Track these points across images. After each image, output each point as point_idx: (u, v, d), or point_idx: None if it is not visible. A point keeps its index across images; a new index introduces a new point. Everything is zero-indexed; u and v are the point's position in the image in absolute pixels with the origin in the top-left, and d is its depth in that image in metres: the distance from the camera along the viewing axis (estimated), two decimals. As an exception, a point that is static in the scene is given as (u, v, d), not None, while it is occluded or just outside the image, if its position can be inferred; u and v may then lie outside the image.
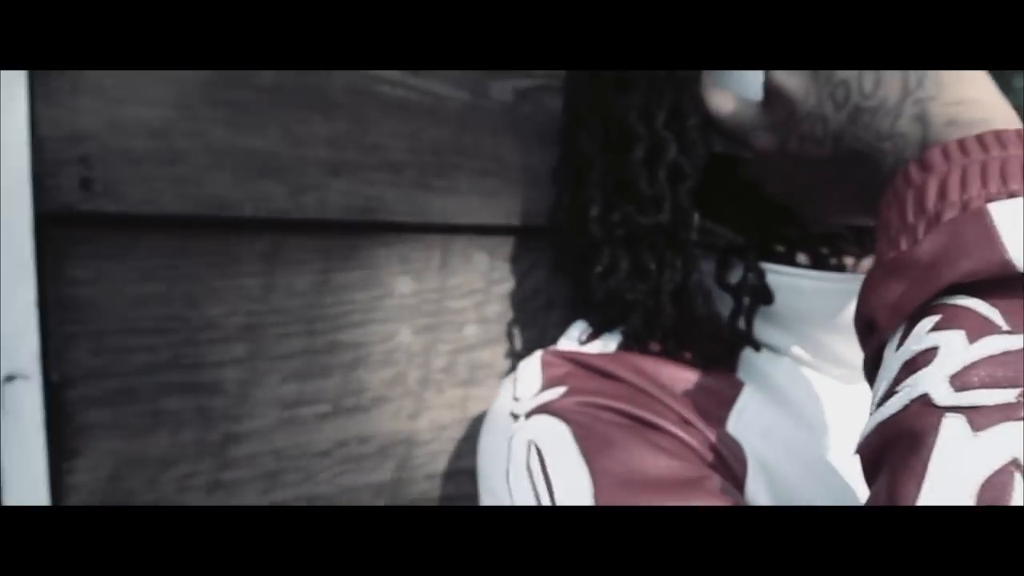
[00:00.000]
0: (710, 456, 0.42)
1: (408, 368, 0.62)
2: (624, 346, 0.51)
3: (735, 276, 0.49)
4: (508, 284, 0.67)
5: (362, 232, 0.61)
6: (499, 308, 0.67)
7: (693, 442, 0.42)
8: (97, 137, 0.50)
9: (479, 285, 0.66)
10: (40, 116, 0.48)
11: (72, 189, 0.49)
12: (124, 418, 0.51)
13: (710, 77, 0.50)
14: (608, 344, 0.53)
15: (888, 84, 0.39)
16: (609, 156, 0.54)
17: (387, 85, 0.62)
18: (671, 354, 0.50)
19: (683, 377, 0.48)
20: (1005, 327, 0.29)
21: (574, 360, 0.50)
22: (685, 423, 0.44)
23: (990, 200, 0.32)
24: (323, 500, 0.56)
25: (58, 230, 0.49)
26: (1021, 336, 0.29)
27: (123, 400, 0.51)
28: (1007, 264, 0.30)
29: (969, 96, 0.38)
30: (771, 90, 0.45)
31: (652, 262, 0.49)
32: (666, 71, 0.50)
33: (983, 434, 0.26)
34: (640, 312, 0.49)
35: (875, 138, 0.39)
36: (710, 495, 0.38)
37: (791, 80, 0.43)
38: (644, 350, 0.51)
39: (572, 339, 0.55)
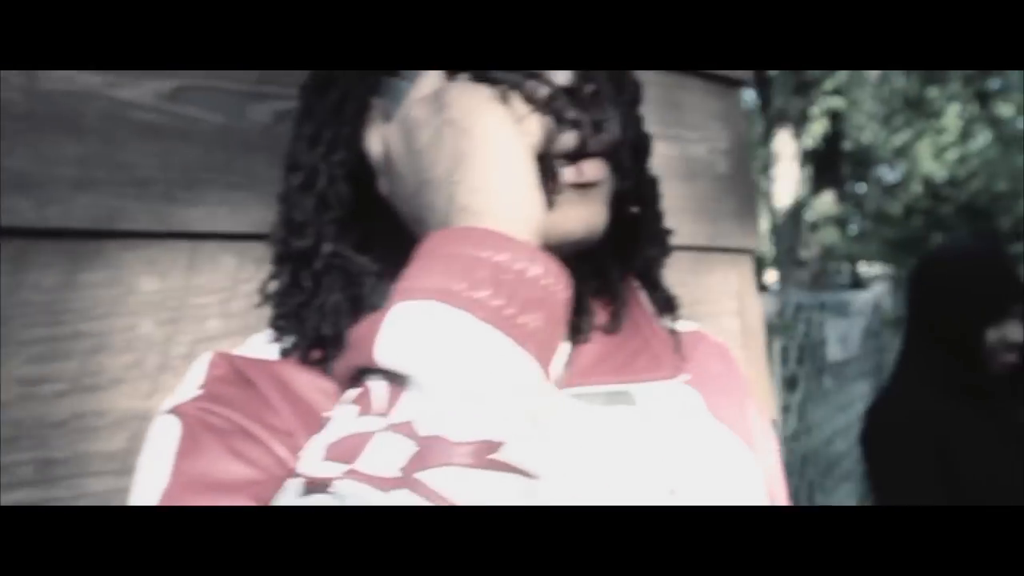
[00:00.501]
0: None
1: (147, 355, 0.73)
2: (284, 353, 0.53)
3: (377, 300, 0.50)
4: (255, 284, 0.79)
5: (108, 239, 0.71)
6: (244, 305, 0.78)
7: (281, 451, 0.46)
8: None
9: (225, 284, 0.77)
10: None
11: None
12: None
13: (380, 113, 0.50)
14: (273, 350, 0.54)
15: (440, 163, 0.43)
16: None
17: (140, 111, 0.72)
18: (325, 363, 0.51)
19: (318, 386, 0.50)
20: (378, 409, 0.36)
21: (231, 363, 0.52)
22: (287, 434, 0.47)
23: (428, 293, 0.37)
24: (57, 464, 0.69)
25: None
26: (372, 419, 0.36)
27: None
28: (371, 360, 0.36)
29: (488, 186, 0.41)
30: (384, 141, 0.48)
31: (308, 280, 0.52)
32: (337, 102, 0.51)
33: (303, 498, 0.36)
34: (292, 324, 0.52)
35: (427, 208, 0.43)
36: (254, 499, 0.42)
37: (392, 136, 0.47)
38: (305, 358, 0.52)
39: (257, 341, 0.57)
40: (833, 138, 10.86)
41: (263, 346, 0.55)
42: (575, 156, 0.48)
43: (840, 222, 11.23)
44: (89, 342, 0.70)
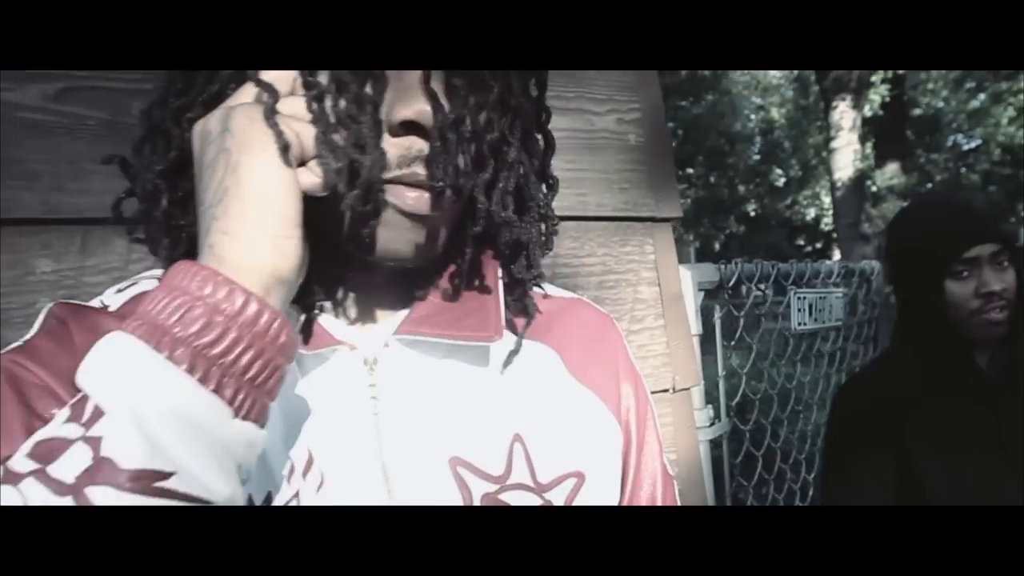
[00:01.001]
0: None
1: (45, 328, 0.82)
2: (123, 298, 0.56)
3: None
4: (146, 263, 0.87)
5: (5, 225, 0.80)
6: (139, 281, 0.87)
7: (52, 402, 0.47)
8: None
9: (117, 264, 0.86)
10: None
11: None
12: None
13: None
14: (120, 297, 0.57)
15: (210, 189, 0.44)
16: None
17: (28, 111, 0.80)
18: None
19: None
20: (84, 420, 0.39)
21: (64, 314, 0.54)
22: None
23: (138, 327, 0.40)
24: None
25: None
26: (76, 427, 0.38)
27: None
28: (75, 379, 0.40)
29: (234, 231, 0.42)
30: None
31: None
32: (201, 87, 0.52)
33: None
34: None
35: (198, 220, 0.45)
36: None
37: (195, 134, 0.48)
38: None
39: (116, 288, 0.59)
40: (897, 105, 10.45)
41: (113, 295, 0.57)
42: (412, 185, 0.50)
43: (906, 193, 10.80)
44: (-8, 317, 0.80)
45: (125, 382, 0.39)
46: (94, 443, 0.38)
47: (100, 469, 0.37)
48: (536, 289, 0.64)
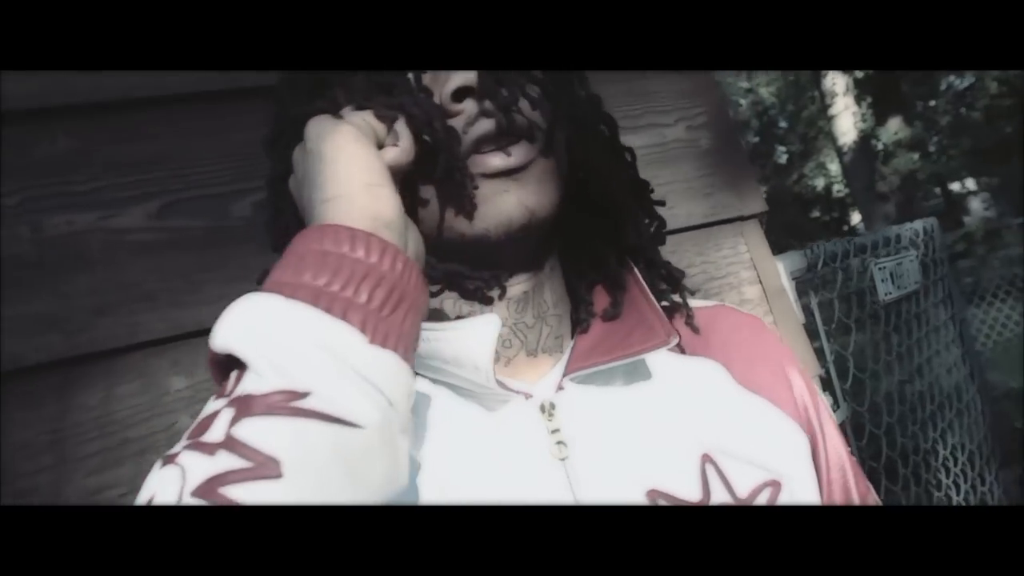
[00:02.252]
0: None
1: (189, 445, 0.81)
2: None
3: None
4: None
5: (134, 351, 0.79)
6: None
7: None
8: None
9: (245, 367, 0.85)
10: None
11: None
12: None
13: None
14: None
15: (306, 188, 0.48)
16: None
17: (132, 233, 0.80)
18: None
19: None
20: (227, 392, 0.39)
21: None
22: None
23: (280, 285, 0.41)
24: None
25: None
26: (221, 400, 0.38)
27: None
28: (211, 349, 0.40)
29: (329, 195, 0.45)
30: None
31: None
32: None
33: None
34: None
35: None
36: None
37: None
38: None
39: None
40: (886, 61, 10.39)
41: None
42: (492, 145, 0.52)
43: (914, 145, 10.71)
44: (136, 446, 0.79)
45: (248, 324, 0.40)
46: (236, 401, 0.38)
47: (240, 410, 0.37)
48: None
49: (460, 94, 0.51)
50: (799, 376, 0.63)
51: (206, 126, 0.85)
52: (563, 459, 0.53)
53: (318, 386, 0.38)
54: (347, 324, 0.40)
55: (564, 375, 0.56)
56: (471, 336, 0.51)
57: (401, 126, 0.50)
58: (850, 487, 0.61)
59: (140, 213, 0.81)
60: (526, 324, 0.57)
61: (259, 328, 0.39)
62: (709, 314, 0.65)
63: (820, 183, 16.00)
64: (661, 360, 0.59)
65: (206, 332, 0.84)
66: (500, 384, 0.53)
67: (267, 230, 0.60)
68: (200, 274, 0.82)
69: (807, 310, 1.30)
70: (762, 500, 0.55)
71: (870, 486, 0.65)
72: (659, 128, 1.12)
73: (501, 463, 0.52)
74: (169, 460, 0.38)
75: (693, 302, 0.66)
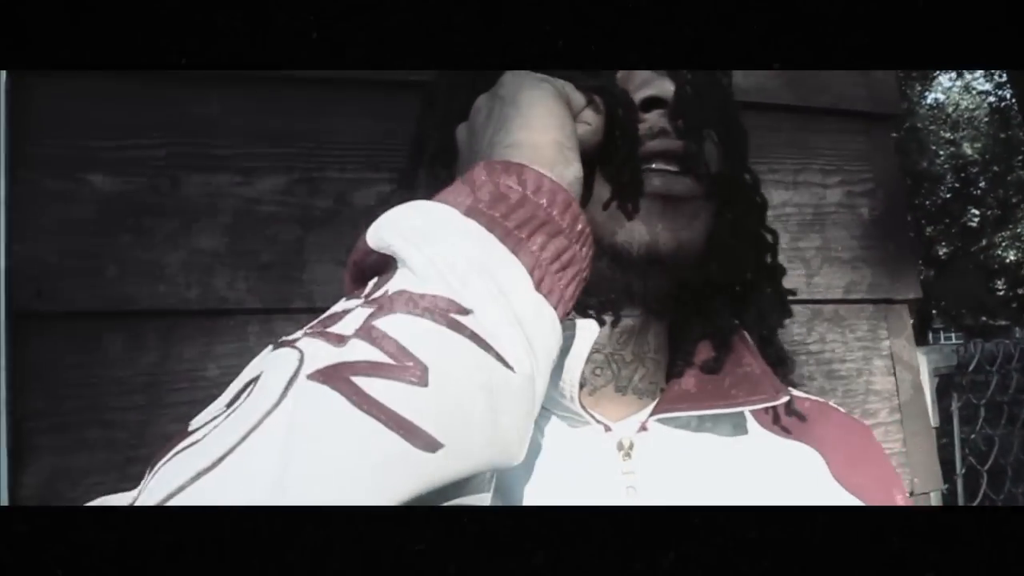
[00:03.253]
0: None
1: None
2: None
3: None
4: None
5: (237, 314, 0.82)
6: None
7: None
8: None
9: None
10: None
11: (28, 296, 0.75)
12: (58, 442, 0.77)
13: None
14: None
15: (488, 131, 0.45)
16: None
17: (259, 203, 0.83)
18: None
19: None
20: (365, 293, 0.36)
21: None
22: None
23: (455, 203, 0.38)
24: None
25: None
26: (357, 300, 0.35)
27: (58, 430, 0.77)
28: (364, 242, 0.38)
29: (521, 141, 0.42)
30: None
31: None
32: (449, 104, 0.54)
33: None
34: None
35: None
36: None
37: (462, 127, 0.50)
38: None
39: None
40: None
41: None
42: (663, 165, 0.50)
43: None
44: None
45: (416, 227, 0.37)
46: (379, 300, 0.34)
47: (385, 306, 0.34)
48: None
49: (650, 104, 0.50)
50: (902, 498, 0.58)
51: (346, 110, 0.86)
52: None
53: (481, 309, 0.34)
54: (518, 262, 0.37)
55: (650, 415, 0.52)
56: (575, 335, 0.46)
57: (597, 106, 0.47)
58: None
59: (269, 185, 0.84)
60: (623, 359, 0.54)
61: (428, 232, 0.36)
62: (816, 406, 0.60)
63: (1011, 255, 14.59)
64: (758, 431, 0.56)
65: (313, 311, 0.86)
66: (581, 406, 0.49)
67: (409, 160, 0.59)
68: (314, 253, 0.84)
69: (945, 414, 1.17)
70: None
71: None
72: (817, 188, 1.03)
73: (568, 493, 0.48)
74: (284, 343, 0.34)
75: (799, 393, 0.60)
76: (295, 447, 0.29)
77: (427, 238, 0.36)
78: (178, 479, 0.29)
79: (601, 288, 0.51)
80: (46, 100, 0.79)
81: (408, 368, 0.31)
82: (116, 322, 0.78)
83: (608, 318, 0.53)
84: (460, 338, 0.33)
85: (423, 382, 0.31)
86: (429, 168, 0.54)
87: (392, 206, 0.41)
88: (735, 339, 0.57)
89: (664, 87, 0.49)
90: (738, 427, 0.55)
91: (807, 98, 1.04)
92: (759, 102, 1.01)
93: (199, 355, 0.81)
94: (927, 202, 14.02)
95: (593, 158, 0.48)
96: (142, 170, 0.80)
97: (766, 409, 0.55)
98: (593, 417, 0.51)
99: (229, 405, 0.34)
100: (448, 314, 0.33)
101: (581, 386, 0.50)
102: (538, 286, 0.37)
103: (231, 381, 0.80)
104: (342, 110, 0.87)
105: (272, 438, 0.30)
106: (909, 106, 12.84)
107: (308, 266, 0.84)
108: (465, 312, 0.34)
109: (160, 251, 0.79)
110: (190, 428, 0.33)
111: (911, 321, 1.06)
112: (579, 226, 0.40)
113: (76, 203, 0.78)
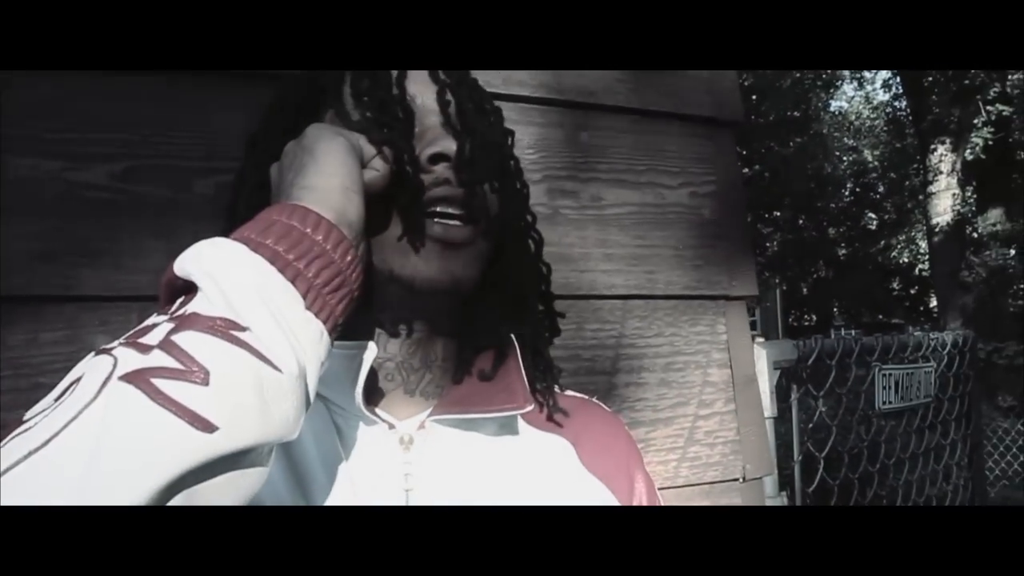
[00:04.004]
0: None
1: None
2: None
3: None
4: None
5: (66, 302, 0.81)
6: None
7: None
8: None
9: (173, 340, 0.85)
10: None
11: None
12: None
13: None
14: None
15: (289, 174, 0.54)
16: None
17: (94, 190, 0.82)
18: None
19: None
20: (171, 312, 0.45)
21: None
22: None
23: (246, 239, 0.48)
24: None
25: None
26: (163, 316, 0.45)
27: None
28: (171, 271, 0.47)
29: (310, 184, 0.52)
30: None
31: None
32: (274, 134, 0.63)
33: None
34: None
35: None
36: None
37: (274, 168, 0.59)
38: None
39: None
40: (1000, 149, 9.91)
41: None
42: (444, 210, 0.59)
43: (1011, 239, 10.19)
44: (46, 391, 0.80)
45: (212, 260, 0.46)
46: (179, 319, 0.44)
47: (182, 324, 0.43)
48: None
49: (437, 158, 0.59)
50: (643, 479, 0.69)
51: (187, 100, 0.86)
52: (407, 490, 0.59)
53: (256, 326, 0.44)
54: (293, 287, 0.47)
55: (428, 415, 0.62)
56: (351, 359, 0.57)
57: (385, 156, 0.56)
58: None
59: (103, 171, 0.83)
60: (412, 366, 0.64)
61: (220, 265, 0.46)
62: (577, 403, 0.72)
63: (906, 257, 15.41)
64: (526, 428, 0.66)
65: (142, 299, 0.86)
66: (369, 410, 0.59)
67: (233, 190, 0.68)
68: (149, 241, 0.83)
69: (785, 404, 1.25)
70: None
71: None
72: (660, 189, 1.09)
73: (352, 482, 0.58)
74: (102, 352, 0.43)
75: (568, 393, 0.74)
76: (107, 432, 0.39)
77: (220, 270, 0.46)
78: (12, 457, 0.38)
79: (393, 307, 0.62)
80: None
81: (194, 372, 0.42)
82: (-69, 309, 0.76)
83: (402, 330, 0.63)
84: (237, 349, 0.43)
85: (205, 382, 0.41)
86: (247, 200, 0.62)
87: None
88: (509, 352, 0.66)
89: (448, 145, 0.59)
90: (505, 427, 0.64)
91: (654, 102, 1.09)
92: (608, 104, 1.06)
93: (24, 342, 0.80)
94: (831, 205, 14.66)
95: (387, 199, 0.57)
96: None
97: (537, 409, 0.67)
98: (379, 417, 0.60)
99: (57, 399, 0.43)
100: (229, 331, 0.44)
101: (373, 392, 0.62)
102: (310, 306, 0.48)
103: (57, 369, 0.79)
104: (181, 98, 0.86)
105: (89, 425, 0.39)
106: (814, 111, 13.41)
107: (142, 255, 0.83)
108: (243, 329, 0.44)
109: (-19, 237, 0.77)
110: (24, 418, 0.43)
111: (748, 317, 1.13)
112: (348, 257, 0.50)
113: None
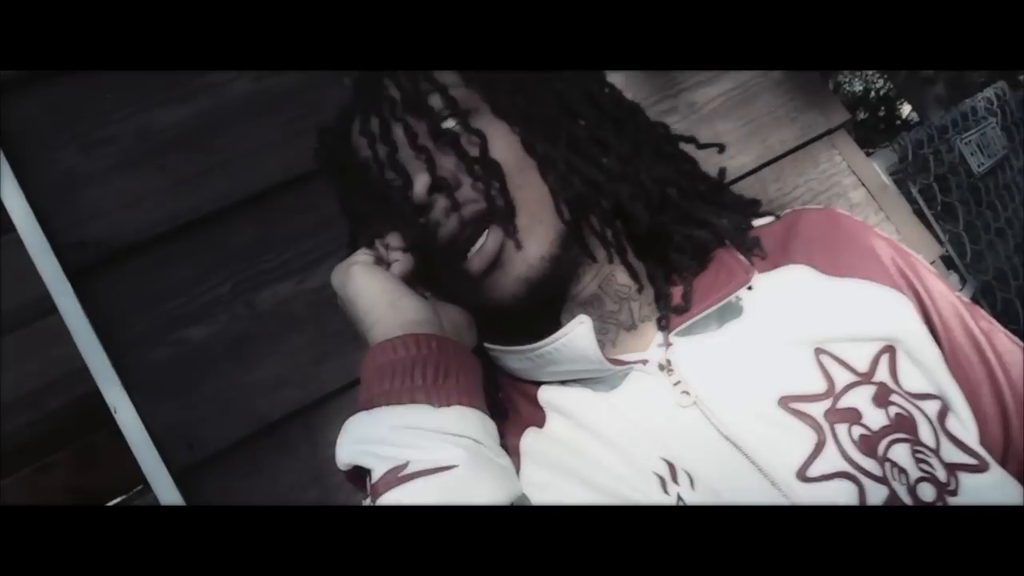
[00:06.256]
0: None
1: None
2: None
3: None
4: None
5: (354, 387, 0.92)
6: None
7: None
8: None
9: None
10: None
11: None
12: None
13: None
14: None
15: (353, 324, 0.60)
16: None
17: (325, 288, 0.92)
18: None
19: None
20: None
21: None
22: None
23: (362, 406, 0.54)
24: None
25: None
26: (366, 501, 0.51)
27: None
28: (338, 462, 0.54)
29: (368, 323, 0.57)
30: None
31: None
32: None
33: None
34: None
35: None
36: None
37: None
38: None
39: None
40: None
41: None
42: (467, 234, 0.58)
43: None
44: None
45: (354, 439, 0.53)
46: (375, 488, 0.51)
47: (372, 496, 0.50)
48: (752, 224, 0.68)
49: (423, 195, 0.57)
50: (886, 246, 0.64)
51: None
52: (693, 403, 0.57)
53: (411, 455, 0.50)
54: (415, 404, 0.53)
55: (667, 334, 0.60)
56: (572, 341, 0.57)
57: (394, 243, 0.60)
58: (970, 327, 0.61)
59: (325, 271, 0.93)
60: (610, 312, 0.63)
61: (359, 440, 0.52)
62: (784, 224, 0.67)
63: (858, 87, 15.51)
64: (755, 286, 0.61)
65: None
66: (617, 361, 0.59)
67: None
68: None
69: (911, 199, 1.35)
70: (883, 368, 0.58)
71: (992, 321, 0.64)
72: (731, 72, 1.20)
73: (640, 425, 0.57)
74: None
75: (764, 220, 0.68)
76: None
77: (361, 444, 0.52)
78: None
79: (535, 313, 0.61)
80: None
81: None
82: (262, 438, 0.87)
83: (566, 317, 0.62)
84: (410, 483, 0.49)
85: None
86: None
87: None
88: (692, 233, 0.63)
89: (423, 181, 0.57)
90: (734, 301, 0.61)
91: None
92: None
93: (341, 434, 0.90)
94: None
95: (428, 262, 0.60)
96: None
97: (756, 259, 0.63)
98: (629, 363, 0.60)
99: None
100: (396, 476, 0.50)
101: (603, 346, 0.59)
102: (439, 403, 0.53)
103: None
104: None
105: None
106: None
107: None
108: (403, 466, 0.50)
109: (270, 365, 0.88)
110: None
111: (853, 137, 1.23)
112: (433, 344, 0.56)
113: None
